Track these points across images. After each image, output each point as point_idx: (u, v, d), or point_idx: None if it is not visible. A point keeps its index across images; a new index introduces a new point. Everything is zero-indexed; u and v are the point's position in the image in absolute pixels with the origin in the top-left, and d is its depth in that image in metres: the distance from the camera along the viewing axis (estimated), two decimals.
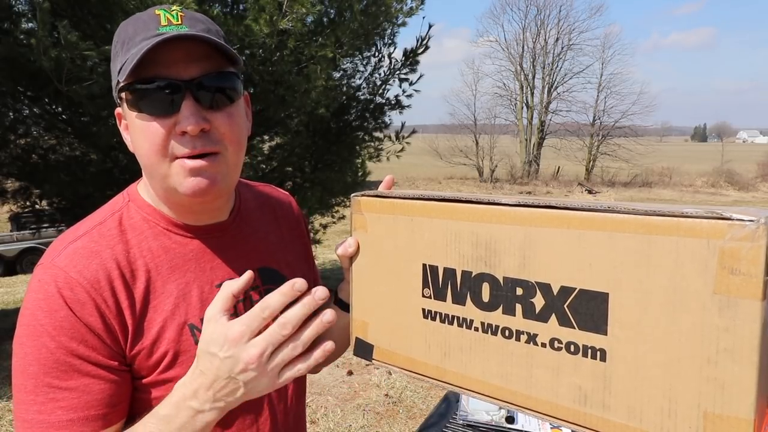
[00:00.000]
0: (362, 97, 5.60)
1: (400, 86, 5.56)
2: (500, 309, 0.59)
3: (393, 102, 5.64)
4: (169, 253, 0.78)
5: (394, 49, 5.51)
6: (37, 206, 4.92)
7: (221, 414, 0.67)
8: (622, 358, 0.51)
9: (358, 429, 3.43)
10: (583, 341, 0.54)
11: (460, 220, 0.62)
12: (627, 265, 0.50)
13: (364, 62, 5.50)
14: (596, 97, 30.71)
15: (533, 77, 30.89)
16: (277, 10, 3.67)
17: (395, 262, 0.69)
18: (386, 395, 3.87)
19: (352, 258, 0.75)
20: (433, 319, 0.66)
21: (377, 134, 5.82)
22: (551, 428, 1.53)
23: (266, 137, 5.39)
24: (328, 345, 0.66)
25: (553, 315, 0.55)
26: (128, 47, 0.70)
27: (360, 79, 5.56)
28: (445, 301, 0.64)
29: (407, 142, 5.80)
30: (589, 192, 25.07)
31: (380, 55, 5.46)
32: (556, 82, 30.77)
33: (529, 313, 0.57)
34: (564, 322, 0.55)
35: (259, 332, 0.63)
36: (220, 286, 0.81)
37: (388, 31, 5.34)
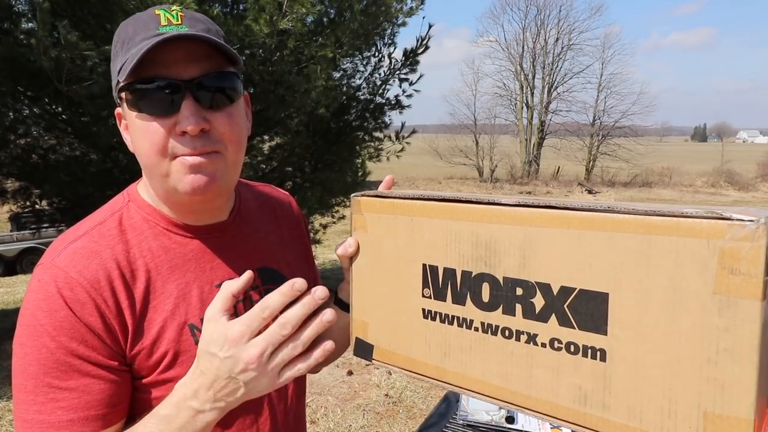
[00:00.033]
0: (362, 97, 5.59)
1: (400, 86, 5.56)
2: (500, 309, 0.59)
3: (393, 102, 5.64)
4: (169, 253, 0.78)
5: (394, 49, 5.51)
6: (37, 206, 4.92)
7: (222, 414, 0.67)
8: (622, 358, 0.51)
9: (358, 429, 3.43)
10: (583, 341, 0.54)
11: (460, 220, 0.62)
12: (627, 265, 0.50)
13: (364, 62, 5.50)
14: (596, 97, 30.75)
15: (533, 77, 30.91)
16: (277, 10, 3.67)
17: (395, 262, 0.69)
18: (386, 395, 3.87)
19: (352, 258, 0.75)
20: (433, 319, 0.66)
21: (377, 134, 5.82)
22: (551, 428, 1.53)
23: (266, 137, 5.39)
24: (328, 344, 0.66)
25: (553, 315, 0.55)
26: (128, 47, 0.70)
27: (360, 79, 5.56)
28: (445, 301, 0.64)
29: (407, 142, 5.80)
30: (589, 192, 25.08)
31: (380, 55, 5.46)
32: (556, 82, 30.79)
33: (529, 313, 0.57)
34: (564, 322, 0.55)
35: (259, 332, 0.63)
36: (220, 286, 0.81)
37: (388, 31, 5.35)
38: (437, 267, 0.65)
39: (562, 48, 30.69)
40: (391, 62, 5.47)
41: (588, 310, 0.53)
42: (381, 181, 0.82)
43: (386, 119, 5.72)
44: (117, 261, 0.73)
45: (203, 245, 0.81)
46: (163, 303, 0.75)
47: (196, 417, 0.66)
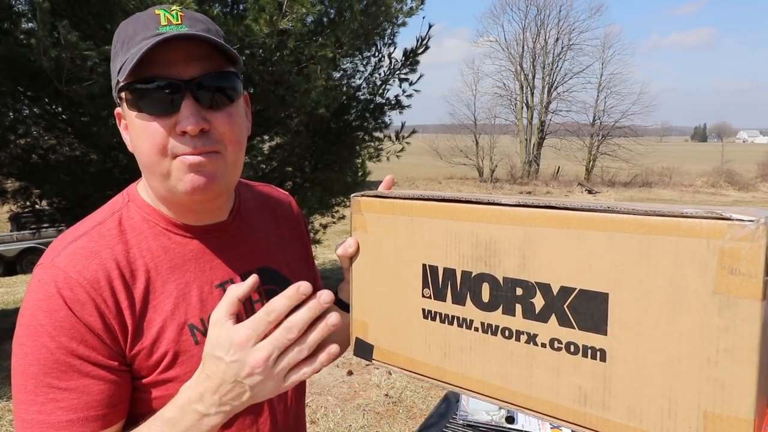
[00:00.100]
0: (362, 97, 5.60)
1: (400, 86, 5.56)
2: (500, 309, 0.59)
3: (393, 102, 5.64)
4: (169, 253, 0.78)
5: (394, 49, 5.51)
6: (37, 206, 4.92)
7: (227, 417, 0.67)
8: (622, 358, 0.51)
9: (358, 429, 3.43)
10: (583, 341, 0.54)
11: (460, 220, 0.62)
12: (627, 265, 0.50)
13: (364, 62, 5.50)
14: (596, 97, 30.76)
15: (533, 77, 30.91)
16: (277, 10, 3.67)
17: (395, 263, 0.69)
18: (386, 395, 3.87)
19: (352, 258, 0.75)
20: (433, 319, 0.66)
21: (377, 134, 5.82)
22: (551, 428, 1.53)
23: (266, 137, 5.39)
24: (333, 348, 0.67)
25: (553, 315, 0.55)
26: (128, 47, 0.70)
27: (360, 79, 5.56)
28: (445, 301, 0.64)
29: (407, 142, 5.80)
30: (589, 192, 25.08)
31: (380, 55, 5.47)
32: (556, 82, 30.79)
33: (529, 313, 0.57)
34: (564, 322, 0.55)
35: (265, 336, 0.63)
36: (220, 286, 0.81)
37: (388, 31, 5.35)
38: (437, 267, 0.65)
39: (562, 48, 30.72)
40: (391, 62, 5.47)
41: (588, 310, 0.53)
42: (381, 181, 0.82)
43: (386, 119, 5.72)
44: (117, 261, 0.73)
45: (203, 245, 0.81)
46: (163, 303, 0.75)
47: (202, 420, 0.66)
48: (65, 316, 0.68)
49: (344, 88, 5.33)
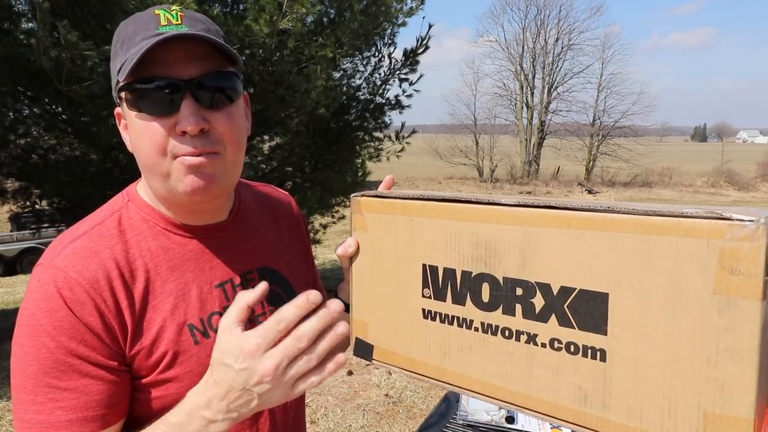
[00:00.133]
0: (362, 97, 5.60)
1: (400, 86, 5.56)
2: (500, 309, 0.59)
3: (393, 102, 5.64)
4: (168, 253, 0.78)
5: (394, 49, 5.51)
6: (37, 206, 4.93)
7: (234, 424, 0.67)
8: (622, 358, 0.51)
9: (358, 429, 3.43)
10: (583, 341, 0.54)
11: (460, 220, 0.62)
12: (627, 265, 0.50)
13: (364, 62, 5.50)
14: (596, 97, 30.75)
15: (533, 77, 30.91)
16: (277, 10, 3.67)
17: (395, 263, 0.69)
18: (386, 395, 3.87)
19: (352, 258, 0.75)
20: (433, 319, 0.66)
21: (377, 134, 5.82)
22: (551, 428, 1.53)
23: (266, 137, 5.39)
24: (340, 357, 0.67)
25: (553, 315, 0.55)
26: (128, 47, 0.70)
27: (360, 79, 5.56)
28: (445, 301, 0.64)
29: (407, 142, 5.80)
30: (589, 192, 25.08)
31: (380, 55, 5.47)
32: (556, 82, 30.79)
33: (529, 313, 0.57)
34: (564, 322, 0.55)
35: (274, 344, 0.64)
36: (219, 286, 0.81)
37: (388, 31, 5.35)
38: (437, 267, 0.65)
39: (562, 48, 30.72)
40: (391, 62, 5.48)
41: (588, 310, 0.53)
42: (381, 181, 0.82)
43: (386, 119, 5.72)
44: (116, 261, 0.73)
45: (202, 245, 0.81)
46: (163, 303, 0.75)
47: (208, 427, 0.66)
48: (65, 316, 0.68)
49: (344, 88, 5.33)
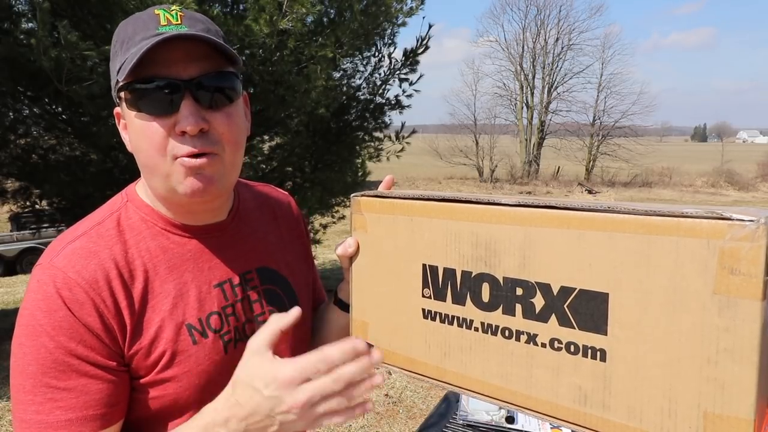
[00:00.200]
0: (362, 97, 5.59)
1: (400, 86, 5.56)
2: (500, 309, 0.59)
3: (393, 102, 5.63)
4: (167, 253, 0.78)
5: (394, 49, 5.51)
6: (37, 206, 4.92)
7: None
8: (622, 358, 0.51)
9: (358, 429, 3.43)
10: (583, 341, 0.54)
11: (460, 220, 0.62)
12: (627, 265, 0.50)
13: (364, 62, 5.50)
14: (596, 97, 30.72)
15: (533, 77, 30.90)
16: (277, 10, 3.67)
17: (395, 262, 0.69)
18: (386, 395, 3.87)
19: (352, 258, 0.75)
20: (433, 319, 0.66)
21: (377, 134, 5.82)
22: (551, 428, 1.53)
23: (266, 137, 5.39)
24: (368, 405, 0.68)
25: (553, 315, 0.55)
26: (127, 47, 0.70)
27: (360, 79, 5.56)
28: (445, 301, 0.64)
29: (407, 142, 5.80)
30: (589, 192, 25.07)
31: (380, 55, 5.46)
32: (556, 82, 30.78)
33: (529, 313, 0.57)
34: (564, 322, 0.55)
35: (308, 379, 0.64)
36: (218, 286, 0.81)
37: (388, 31, 5.34)
38: (437, 267, 0.65)
39: (562, 48, 30.72)
40: (391, 62, 5.47)
41: (588, 310, 0.53)
42: (381, 181, 0.82)
43: (386, 119, 5.72)
44: (115, 261, 0.73)
45: (201, 245, 0.81)
46: (161, 303, 0.75)
47: None
48: (64, 316, 0.68)
49: (344, 88, 5.33)
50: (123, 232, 0.76)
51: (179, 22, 0.71)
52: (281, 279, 0.90)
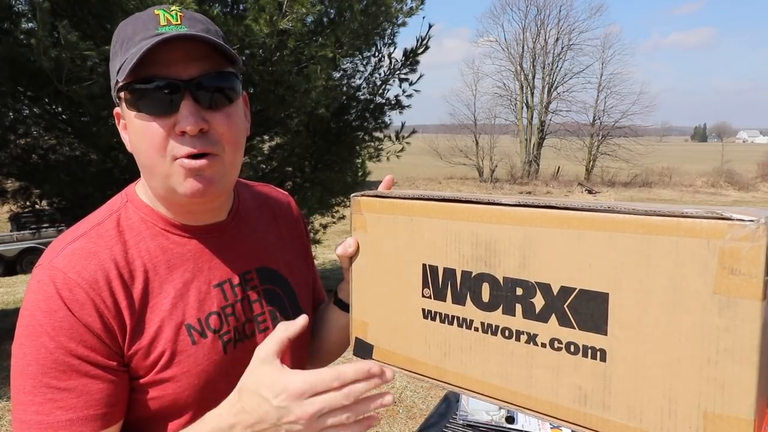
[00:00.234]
0: (362, 97, 5.60)
1: (400, 86, 5.56)
2: (500, 309, 0.59)
3: (393, 102, 5.64)
4: (167, 254, 0.78)
5: (394, 49, 5.51)
6: (37, 206, 4.93)
7: None
8: (622, 358, 0.51)
9: None
10: (583, 341, 0.54)
11: (459, 220, 0.62)
12: (627, 265, 0.50)
13: (364, 62, 5.50)
14: (596, 97, 30.71)
15: (533, 77, 30.90)
16: (277, 10, 3.67)
17: (395, 262, 0.69)
18: None
19: (352, 258, 0.75)
20: (433, 319, 0.66)
21: (377, 134, 5.82)
22: (551, 428, 1.53)
23: (266, 137, 5.39)
24: (372, 421, 0.68)
25: (553, 315, 0.55)
26: (127, 47, 0.70)
27: (360, 79, 5.56)
28: (445, 301, 0.64)
29: (407, 142, 5.80)
30: (589, 192, 25.07)
31: (380, 55, 5.46)
32: (556, 82, 30.78)
33: (529, 313, 0.57)
34: (564, 322, 0.55)
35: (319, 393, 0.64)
36: (218, 286, 0.81)
37: (388, 31, 5.35)
38: (437, 267, 0.65)
39: (562, 48, 30.71)
40: (391, 62, 5.47)
41: (588, 310, 0.53)
42: (381, 181, 0.82)
43: (386, 119, 5.72)
44: (115, 261, 0.73)
45: (201, 245, 0.81)
46: (161, 303, 0.75)
47: None
48: (64, 317, 0.68)
49: (344, 88, 5.33)
50: (123, 232, 0.76)
51: (179, 22, 0.71)
52: (281, 279, 0.90)
